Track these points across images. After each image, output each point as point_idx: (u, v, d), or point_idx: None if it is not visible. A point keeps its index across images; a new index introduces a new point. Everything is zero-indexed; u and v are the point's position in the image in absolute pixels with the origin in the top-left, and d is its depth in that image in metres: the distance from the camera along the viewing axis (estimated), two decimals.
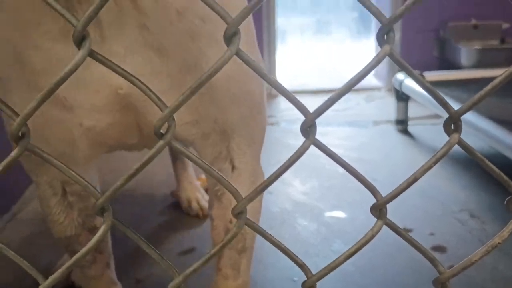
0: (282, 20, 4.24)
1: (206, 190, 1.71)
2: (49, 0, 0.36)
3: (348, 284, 1.27)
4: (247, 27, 0.77)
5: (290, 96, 0.38)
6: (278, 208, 1.70)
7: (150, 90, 0.38)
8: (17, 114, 0.37)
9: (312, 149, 0.40)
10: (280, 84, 0.39)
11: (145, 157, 0.36)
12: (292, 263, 0.46)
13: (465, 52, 2.91)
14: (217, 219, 0.88)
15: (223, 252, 0.88)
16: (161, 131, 0.37)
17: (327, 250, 1.44)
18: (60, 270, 0.41)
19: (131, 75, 0.38)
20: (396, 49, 3.18)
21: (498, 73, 0.37)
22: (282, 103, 2.98)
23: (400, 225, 1.67)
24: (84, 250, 0.40)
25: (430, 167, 0.38)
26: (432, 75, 2.43)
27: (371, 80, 3.32)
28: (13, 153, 0.37)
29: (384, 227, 0.42)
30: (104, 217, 0.38)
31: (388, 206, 0.43)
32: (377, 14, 0.36)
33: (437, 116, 2.47)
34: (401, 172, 1.96)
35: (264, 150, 0.89)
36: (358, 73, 0.38)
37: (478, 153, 0.39)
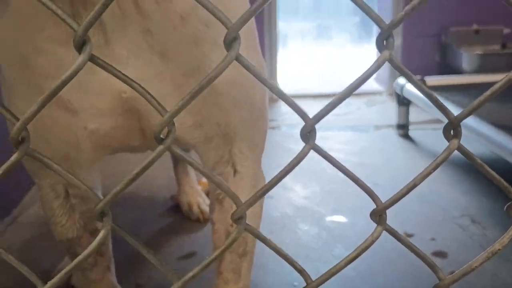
0: (283, 25, 4.25)
1: (207, 194, 1.71)
2: (51, 6, 0.36)
3: None
4: (250, 31, 0.78)
5: (289, 101, 0.39)
6: (279, 213, 1.69)
7: (150, 95, 0.38)
8: (17, 118, 0.37)
9: (313, 153, 0.40)
10: (280, 89, 0.39)
11: (144, 162, 0.36)
12: (293, 268, 0.46)
13: (467, 57, 2.91)
14: (218, 222, 0.88)
15: (224, 256, 0.88)
16: (161, 135, 0.38)
17: (328, 254, 1.43)
18: (59, 275, 0.41)
19: (131, 79, 0.38)
20: (397, 54, 3.19)
21: (499, 78, 0.37)
22: (283, 107, 2.98)
23: (401, 230, 1.66)
24: (83, 254, 0.40)
25: (429, 173, 0.38)
26: (434, 80, 2.43)
27: (372, 84, 3.32)
28: (13, 158, 0.37)
29: (384, 232, 0.42)
30: (104, 222, 0.38)
31: (388, 211, 0.43)
32: (376, 20, 0.36)
33: (438, 121, 2.47)
34: (402, 177, 1.95)
35: (265, 154, 0.89)
36: (358, 79, 0.38)
37: (478, 159, 0.39)
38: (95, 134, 0.71)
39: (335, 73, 3.90)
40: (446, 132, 0.39)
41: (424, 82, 2.38)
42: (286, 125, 2.68)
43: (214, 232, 0.89)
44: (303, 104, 3.21)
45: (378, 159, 2.16)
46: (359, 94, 3.17)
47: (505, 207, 0.41)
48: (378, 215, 0.41)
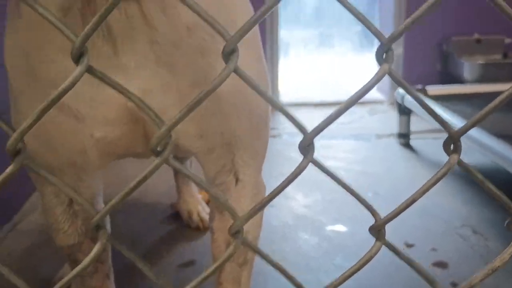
0: (285, 33, 4.26)
1: (207, 202, 1.70)
2: (49, 17, 0.36)
3: None
4: (253, 39, 0.78)
5: (288, 115, 0.38)
6: (280, 222, 1.69)
7: (148, 107, 0.38)
8: (13, 130, 0.37)
9: None
10: (278, 102, 0.38)
11: (140, 176, 0.36)
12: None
13: (468, 67, 2.91)
14: (218, 231, 0.88)
15: (224, 266, 0.87)
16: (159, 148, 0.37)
17: (328, 264, 1.42)
18: (57, 286, 0.41)
19: (128, 91, 0.38)
20: (399, 63, 3.19)
21: (501, 87, 0.37)
22: None
23: (401, 240, 1.65)
24: (81, 265, 0.40)
25: (429, 188, 0.37)
26: (435, 89, 2.43)
27: (374, 93, 3.32)
28: (8, 170, 0.37)
29: (383, 246, 0.42)
30: (99, 236, 0.38)
31: None
32: (376, 33, 0.36)
33: (439, 131, 2.47)
34: (403, 186, 1.95)
35: (266, 162, 0.88)
36: (358, 92, 0.38)
37: (479, 174, 0.38)
38: (101, 141, 0.72)
39: (337, 81, 3.90)
40: (446, 146, 0.38)
41: (425, 91, 2.38)
42: (287, 133, 2.68)
43: (214, 242, 0.89)
44: (304, 112, 3.21)
45: (379, 168, 2.16)
46: (363, 103, 3.17)
47: (506, 223, 0.41)
48: (377, 230, 0.40)
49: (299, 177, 0.41)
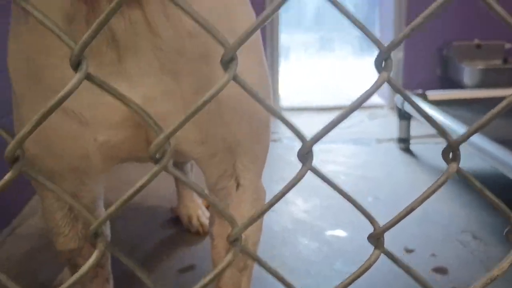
0: (286, 37, 4.27)
1: (207, 207, 1.70)
2: (48, 24, 0.36)
3: None
4: (255, 43, 0.78)
5: (288, 122, 0.38)
6: (280, 227, 1.69)
7: (147, 114, 0.38)
8: (12, 137, 0.37)
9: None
10: (277, 110, 0.38)
11: (138, 183, 0.36)
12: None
13: (468, 72, 2.91)
14: (218, 237, 0.88)
15: (224, 271, 0.87)
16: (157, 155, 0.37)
17: (328, 269, 1.42)
18: None
19: (126, 97, 0.38)
20: (399, 68, 3.19)
21: (501, 92, 0.37)
22: None
23: (401, 245, 1.64)
24: (79, 273, 0.40)
25: (428, 197, 0.37)
26: (435, 94, 2.43)
27: (374, 98, 3.33)
28: (7, 177, 0.36)
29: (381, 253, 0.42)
30: (97, 243, 0.38)
31: None
32: (375, 41, 0.36)
33: (439, 135, 2.47)
34: (403, 191, 1.95)
35: (267, 166, 0.88)
36: (357, 100, 0.38)
37: (477, 182, 0.38)
38: (104, 145, 0.72)
39: (338, 85, 3.90)
40: (445, 154, 0.38)
41: (425, 96, 2.38)
42: (287, 137, 2.68)
43: (213, 248, 0.89)
44: (305, 117, 3.21)
45: (379, 173, 2.16)
46: (363, 107, 3.17)
47: (505, 232, 0.41)
48: (376, 238, 0.40)
49: (299, 183, 0.41)
